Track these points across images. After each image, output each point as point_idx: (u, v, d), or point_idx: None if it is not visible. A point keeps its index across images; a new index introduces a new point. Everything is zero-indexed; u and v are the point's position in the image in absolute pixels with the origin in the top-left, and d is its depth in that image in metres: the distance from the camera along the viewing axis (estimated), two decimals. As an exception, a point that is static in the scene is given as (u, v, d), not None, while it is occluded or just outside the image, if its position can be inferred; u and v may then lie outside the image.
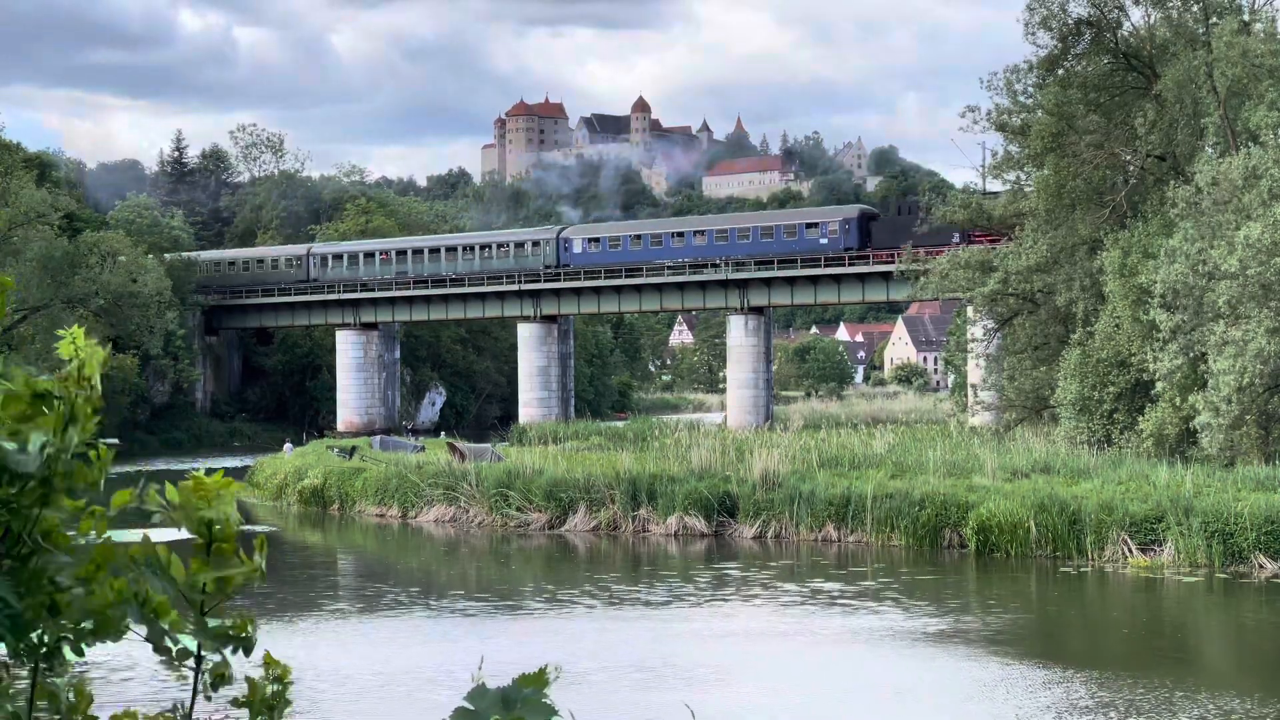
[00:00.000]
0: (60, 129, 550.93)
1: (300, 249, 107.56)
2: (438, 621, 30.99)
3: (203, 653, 2.10)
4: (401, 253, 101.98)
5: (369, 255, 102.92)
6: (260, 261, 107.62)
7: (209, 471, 2.20)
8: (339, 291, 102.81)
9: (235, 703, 2.22)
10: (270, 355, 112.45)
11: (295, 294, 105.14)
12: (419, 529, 48.01)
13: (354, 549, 46.37)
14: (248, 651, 2.13)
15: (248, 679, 2.22)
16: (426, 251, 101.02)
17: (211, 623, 2.09)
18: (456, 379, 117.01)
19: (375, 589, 36.19)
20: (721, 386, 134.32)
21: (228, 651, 2.10)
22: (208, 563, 2.10)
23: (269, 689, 2.21)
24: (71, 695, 2.16)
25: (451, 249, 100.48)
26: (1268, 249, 40.75)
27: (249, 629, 2.11)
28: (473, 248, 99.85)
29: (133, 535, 2.22)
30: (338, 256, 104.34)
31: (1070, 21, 55.21)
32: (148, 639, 2.07)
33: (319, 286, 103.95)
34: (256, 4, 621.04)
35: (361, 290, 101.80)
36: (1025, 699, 22.56)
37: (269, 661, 2.24)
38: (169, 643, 2.07)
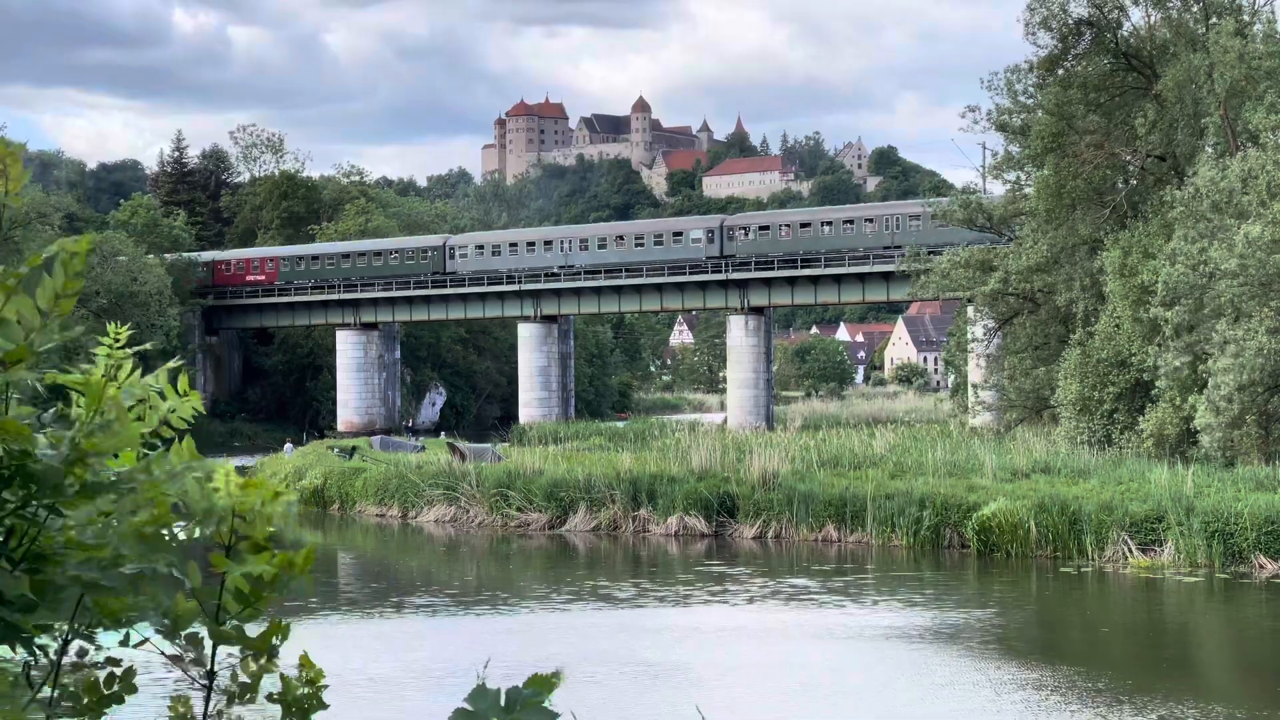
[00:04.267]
0: (56, 129, 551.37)
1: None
2: (437, 622, 30.98)
3: (216, 665, 2.08)
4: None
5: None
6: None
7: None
8: (339, 291, 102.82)
9: (270, 698, 2.20)
10: (270, 355, 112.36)
11: (295, 294, 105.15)
12: (419, 529, 48.00)
13: (354, 549, 46.35)
14: (271, 657, 2.11)
15: (282, 677, 2.21)
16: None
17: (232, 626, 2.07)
18: (457, 379, 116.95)
19: (375, 589, 36.20)
20: (721, 387, 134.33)
21: (249, 659, 2.07)
22: (231, 560, 2.08)
23: (301, 690, 2.20)
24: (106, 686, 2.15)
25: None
26: (1268, 247, 40.74)
27: (275, 637, 2.09)
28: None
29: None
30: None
31: (1070, 22, 55.16)
32: (172, 658, 2.05)
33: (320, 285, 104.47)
34: (250, 3, 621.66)
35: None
36: (1025, 699, 22.55)
37: (305, 663, 2.22)
38: (181, 649, 2.06)
